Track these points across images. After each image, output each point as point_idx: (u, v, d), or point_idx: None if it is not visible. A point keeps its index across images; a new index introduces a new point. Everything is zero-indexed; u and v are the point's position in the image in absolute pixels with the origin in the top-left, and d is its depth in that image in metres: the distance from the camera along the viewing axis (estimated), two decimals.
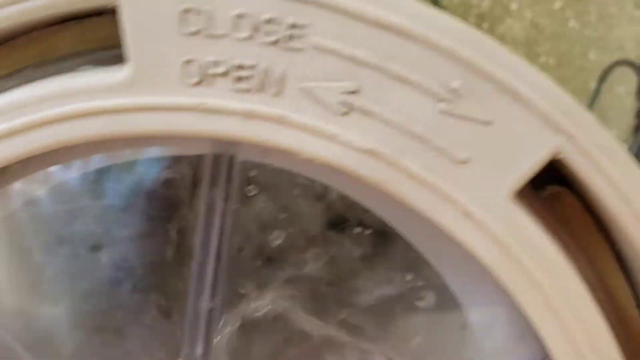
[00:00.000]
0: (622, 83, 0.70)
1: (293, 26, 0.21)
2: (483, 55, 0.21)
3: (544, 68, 0.73)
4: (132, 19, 0.21)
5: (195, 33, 0.21)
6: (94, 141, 0.22)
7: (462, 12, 0.72)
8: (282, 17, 0.21)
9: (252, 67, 0.21)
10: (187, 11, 0.21)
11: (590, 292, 0.25)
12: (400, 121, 0.22)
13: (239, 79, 0.22)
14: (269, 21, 0.21)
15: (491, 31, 0.73)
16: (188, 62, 0.22)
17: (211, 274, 0.24)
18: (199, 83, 0.22)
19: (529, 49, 0.73)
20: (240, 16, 0.21)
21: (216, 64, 0.21)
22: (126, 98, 0.22)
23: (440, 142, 0.22)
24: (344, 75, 0.21)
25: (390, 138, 0.22)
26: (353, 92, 0.22)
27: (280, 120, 0.22)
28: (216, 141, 0.23)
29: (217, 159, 0.24)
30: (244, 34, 0.21)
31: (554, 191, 0.26)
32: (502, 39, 0.73)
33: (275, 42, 0.21)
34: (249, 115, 0.22)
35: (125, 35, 0.21)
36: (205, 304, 0.25)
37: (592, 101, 0.66)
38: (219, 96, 0.22)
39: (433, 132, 0.22)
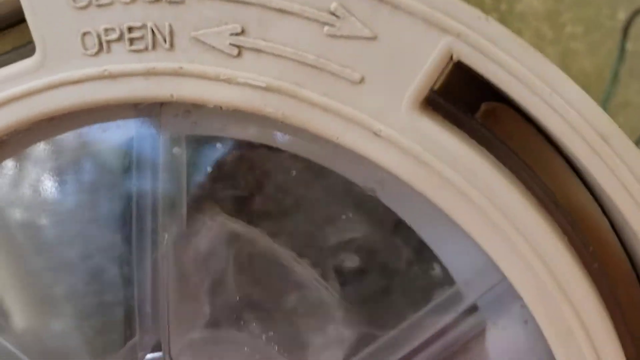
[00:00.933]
0: None
1: None
2: None
3: (572, 37, 0.71)
4: (29, 4, 0.23)
5: (87, 5, 0.23)
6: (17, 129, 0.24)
7: None
8: None
9: (141, 27, 0.23)
10: None
11: (535, 197, 0.24)
12: (291, 53, 0.22)
13: (132, 40, 0.23)
14: None
15: (510, 10, 0.72)
16: (85, 34, 0.23)
17: None
18: (98, 52, 0.23)
19: (552, 21, 0.71)
20: None
21: (109, 30, 0.23)
22: (37, 80, 0.23)
23: (333, 66, 0.22)
24: (228, 18, 0.22)
25: (285, 71, 0.23)
26: (240, 33, 0.22)
27: (178, 73, 0.23)
28: (138, 107, 0.24)
29: None
30: None
31: (488, 107, 0.26)
32: (522, 16, 0.72)
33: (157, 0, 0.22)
34: (149, 73, 0.23)
35: (28, 20, 0.23)
36: None
37: (619, 61, 0.64)
38: (119, 61, 0.23)
39: (324, 57, 0.22)
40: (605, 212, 0.26)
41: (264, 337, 0.26)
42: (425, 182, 0.23)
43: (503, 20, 0.70)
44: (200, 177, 0.26)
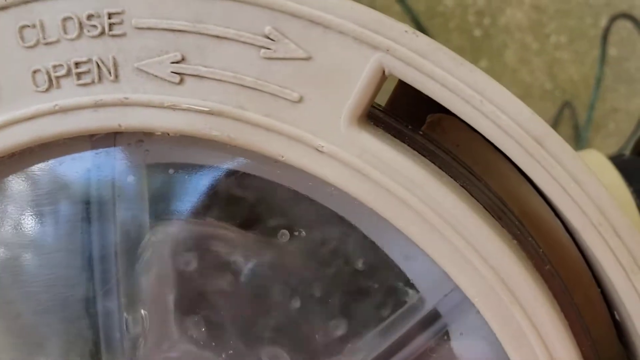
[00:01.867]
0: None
1: (111, 15, 0.23)
2: None
3: (557, 47, 0.72)
4: None
5: (35, 44, 0.24)
6: None
7: (460, 13, 0.72)
8: (100, 10, 0.23)
9: (87, 61, 0.24)
10: (22, 28, 0.24)
11: (480, 203, 0.24)
12: (230, 77, 0.23)
13: (80, 75, 0.24)
14: (90, 17, 0.23)
15: (493, 23, 0.73)
16: (35, 71, 0.24)
17: None
18: (49, 88, 0.24)
19: (537, 32, 0.72)
20: (65, 19, 0.23)
21: (57, 67, 0.24)
22: None
23: (273, 87, 0.23)
24: (168, 47, 0.23)
25: (227, 95, 0.23)
26: (181, 61, 0.23)
27: (124, 103, 0.24)
28: (92, 139, 0.25)
29: None
30: (73, 34, 0.23)
31: (433, 119, 0.27)
32: (506, 29, 0.73)
33: (100, 34, 0.23)
34: (97, 105, 0.24)
35: None
36: None
37: (601, 64, 0.65)
38: (68, 95, 0.24)
39: (263, 79, 0.23)
40: (558, 214, 0.27)
41: (230, 354, 0.27)
42: (368, 194, 0.23)
43: (487, 34, 0.71)
44: (163, 203, 0.27)
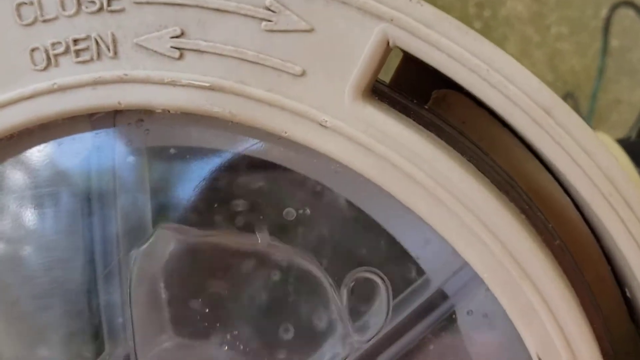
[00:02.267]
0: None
1: None
2: None
3: (559, 38, 0.72)
4: None
5: (33, 22, 0.23)
6: None
7: (461, 5, 0.72)
8: None
9: (85, 38, 0.23)
10: (20, 5, 0.23)
11: (488, 177, 0.24)
12: (231, 51, 0.23)
13: (78, 52, 0.23)
14: None
15: (494, 16, 0.72)
16: (33, 50, 0.23)
17: None
18: (47, 66, 0.23)
19: (537, 24, 0.72)
20: None
21: (56, 44, 0.23)
22: None
23: (274, 61, 0.23)
24: (167, 22, 0.23)
25: (228, 69, 0.23)
26: (180, 35, 0.23)
27: (123, 80, 0.23)
28: (92, 118, 0.25)
29: None
30: (71, 11, 0.23)
31: (438, 95, 0.26)
32: (507, 21, 0.73)
33: (99, 10, 0.23)
34: (96, 83, 0.23)
35: None
36: None
37: (603, 55, 0.64)
38: (67, 73, 0.23)
39: (264, 53, 0.23)
40: (567, 191, 0.26)
41: (232, 346, 0.26)
42: (373, 169, 0.23)
43: (488, 26, 0.71)
44: (164, 187, 0.27)
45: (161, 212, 0.27)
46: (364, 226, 0.26)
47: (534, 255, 0.23)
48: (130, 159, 0.25)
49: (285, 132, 0.23)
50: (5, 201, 0.26)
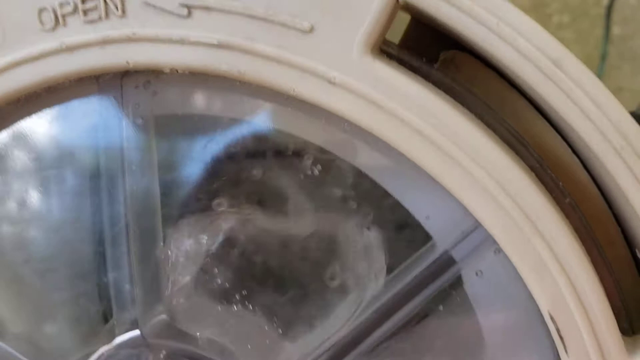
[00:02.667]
0: None
1: None
2: None
3: (560, 27, 0.72)
4: None
5: None
6: None
7: None
8: None
9: None
10: None
11: (498, 135, 0.24)
12: (239, 8, 0.23)
13: (86, 12, 0.23)
14: None
15: None
16: (41, 10, 0.23)
17: None
18: (55, 26, 0.23)
19: (539, 13, 0.71)
20: None
21: (64, 4, 0.23)
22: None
23: (283, 17, 0.23)
24: None
25: (236, 26, 0.23)
26: None
27: (131, 39, 0.23)
28: (99, 81, 0.25)
29: None
30: None
31: (446, 56, 0.26)
32: None
33: None
34: (104, 42, 0.23)
35: None
36: None
37: (605, 42, 0.64)
38: (75, 33, 0.23)
39: (273, 9, 0.23)
40: (575, 152, 0.26)
41: (245, 309, 0.26)
42: (382, 125, 0.23)
43: None
44: (171, 151, 0.26)
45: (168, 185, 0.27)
46: (369, 191, 0.26)
47: (545, 210, 0.23)
48: (139, 120, 0.25)
49: (294, 90, 0.23)
50: (14, 169, 0.26)
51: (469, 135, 0.23)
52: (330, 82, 0.23)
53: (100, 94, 0.25)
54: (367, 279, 0.26)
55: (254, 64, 0.23)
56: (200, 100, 0.26)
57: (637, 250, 0.26)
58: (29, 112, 0.26)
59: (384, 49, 0.24)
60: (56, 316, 0.28)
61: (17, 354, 0.27)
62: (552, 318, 0.23)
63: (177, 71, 0.24)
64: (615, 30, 0.70)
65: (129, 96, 0.25)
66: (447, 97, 0.24)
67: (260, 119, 0.25)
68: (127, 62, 0.23)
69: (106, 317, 0.27)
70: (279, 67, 0.23)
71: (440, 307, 0.25)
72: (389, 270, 0.26)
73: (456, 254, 0.25)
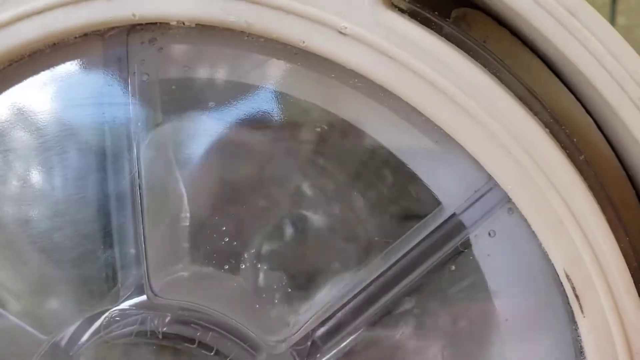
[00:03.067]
0: None
1: None
2: None
3: None
4: None
5: None
6: None
7: None
8: None
9: None
10: None
11: (512, 90, 0.23)
12: None
13: None
14: None
15: None
16: None
17: None
18: None
19: None
20: None
21: None
22: (1, 14, 0.23)
23: None
24: None
25: None
26: None
27: None
28: (105, 37, 0.24)
29: None
30: None
31: (458, 14, 0.26)
32: None
33: None
34: None
35: None
36: None
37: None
38: None
39: None
40: (589, 113, 0.26)
41: (247, 273, 0.26)
42: (395, 78, 0.22)
43: None
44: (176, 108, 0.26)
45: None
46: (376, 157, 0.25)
47: (561, 165, 0.22)
48: (145, 77, 0.25)
49: (304, 42, 0.23)
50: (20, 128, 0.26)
51: (484, 87, 0.22)
52: (341, 32, 0.22)
53: (105, 51, 0.25)
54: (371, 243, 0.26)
55: (261, 15, 0.23)
56: (205, 58, 0.25)
57: None
58: (33, 70, 0.25)
59: (395, 3, 0.24)
60: (59, 281, 0.27)
61: (18, 321, 0.26)
62: (567, 277, 0.23)
63: (184, 24, 0.23)
64: (620, 20, 0.69)
65: (134, 53, 0.25)
66: (461, 51, 0.23)
67: (267, 80, 0.25)
68: (133, 15, 0.23)
69: (111, 281, 0.26)
70: (288, 18, 0.22)
71: (453, 267, 0.24)
72: (399, 234, 0.26)
73: (469, 215, 0.25)
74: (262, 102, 0.25)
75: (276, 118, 0.25)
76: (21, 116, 0.26)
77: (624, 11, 0.69)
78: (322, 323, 0.24)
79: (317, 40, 0.23)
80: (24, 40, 0.24)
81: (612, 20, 0.66)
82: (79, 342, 0.25)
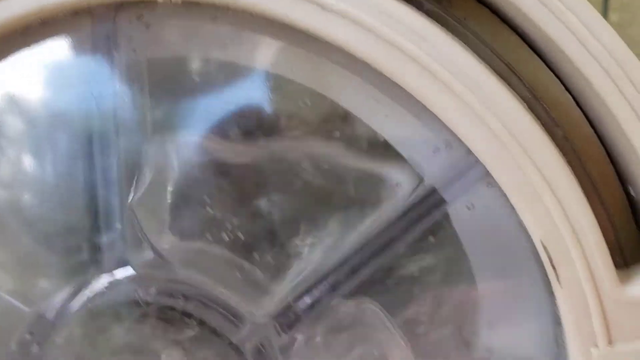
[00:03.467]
0: None
1: None
2: None
3: None
4: None
5: None
6: None
7: None
8: None
9: None
10: None
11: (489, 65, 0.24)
12: None
13: None
14: None
15: None
16: None
17: None
18: None
19: None
20: None
21: None
22: None
23: None
24: None
25: None
26: None
27: None
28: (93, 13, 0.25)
29: None
30: None
31: None
32: None
33: None
34: None
35: None
36: None
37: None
38: None
39: None
40: (568, 89, 0.26)
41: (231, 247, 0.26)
42: (376, 53, 0.23)
43: None
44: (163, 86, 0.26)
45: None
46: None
47: (536, 136, 0.23)
48: (132, 54, 0.25)
49: (287, 16, 0.23)
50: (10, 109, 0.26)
51: (463, 62, 0.23)
52: (325, 8, 0.23)
53: (93, 28, 0.25)
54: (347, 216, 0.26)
55: None
56: (193, 36, 0.26)
57: (630, 189, 0.26)
58: (23, 45, 0.26)
59: None
60: (43, 254, 0.27)
61: (2, 294, 0.27)
62: (544, 247, 0.23)
63: (170, 1, 0.24)
64: (613, 17, 0.70)
65: (122, 30, 0.25)
66: (442, 27, 0.24)
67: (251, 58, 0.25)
68: None
69: (97, 254, 0.26)
70: None
71: (431, 239, 0.25)
72: (378, 206, 0.26)
73: (448, 189, 0.25)
74: (251, 83, 0.26)
75: (263, 96, 0.26)
76: (7, 95, 0.26)
77: (617, 8, 0.69)
78: (303, 294, 0.25)
79: (301, 15, 0.23)
80: (14, 15, 0.24)
81: (605, 17, 0.66)
82: (64, 313, 0.26)
